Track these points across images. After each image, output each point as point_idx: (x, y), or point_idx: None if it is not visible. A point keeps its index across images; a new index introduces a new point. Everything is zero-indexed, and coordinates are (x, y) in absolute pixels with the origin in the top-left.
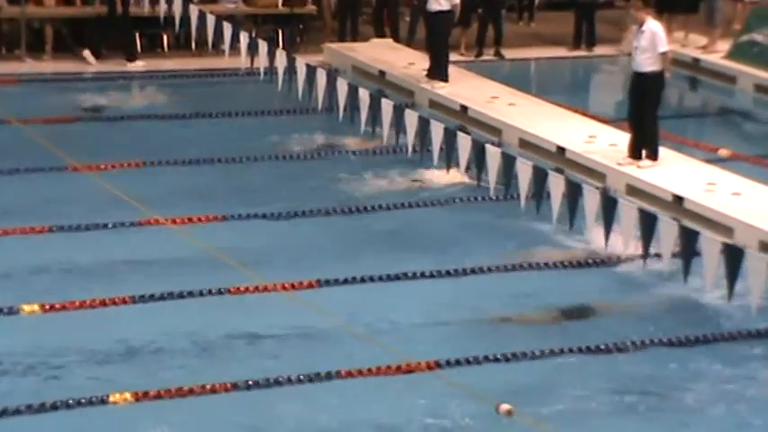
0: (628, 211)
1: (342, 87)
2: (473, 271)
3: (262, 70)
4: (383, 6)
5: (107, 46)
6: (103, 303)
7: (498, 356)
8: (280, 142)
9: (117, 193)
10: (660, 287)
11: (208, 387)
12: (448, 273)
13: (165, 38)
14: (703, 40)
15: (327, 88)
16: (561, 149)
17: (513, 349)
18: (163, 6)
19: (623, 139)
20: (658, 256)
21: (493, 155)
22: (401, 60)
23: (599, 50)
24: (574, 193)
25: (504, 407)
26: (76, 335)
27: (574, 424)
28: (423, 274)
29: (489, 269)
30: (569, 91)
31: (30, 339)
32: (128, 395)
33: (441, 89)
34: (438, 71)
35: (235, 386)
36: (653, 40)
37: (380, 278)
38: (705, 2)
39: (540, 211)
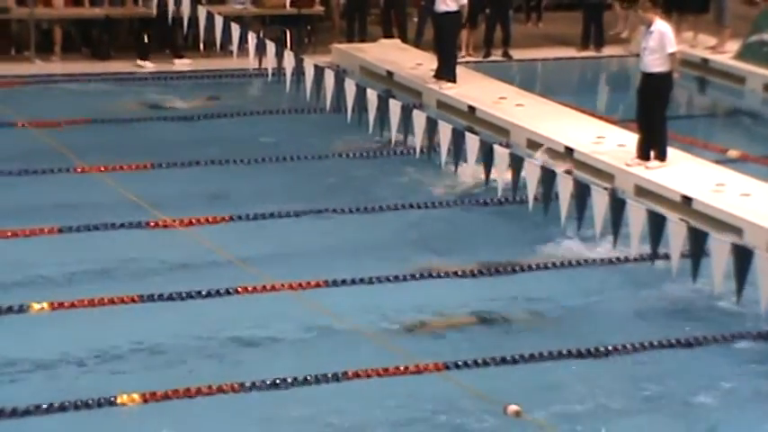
0: (636, 211)
1: (350, 88)
2: (481, 272)
3: (270, 71)
4: (391, 7)
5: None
6: (112, 303)
7: (507, 357)
8: (287, 143)
9: (126, 194)
10: (669, 288)
11: (216, 388)
12: (456, 273)
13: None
14: (713, 41)
15: (335, 89)
16: (569, 150)
17: (522, 350)
18: (171, 7)
19: (632, 139)
20: (667, 256)
21: (501, 155)
22: (409, 61)
23: (607, 51)
24: (582, 194)
25: (512, 408)
26: (85, 334)
27: (583, 424)
28: (431, 275)
29: (497, 269)
30: (577, 91)
31: (38, 338)
32: (136, 396)
33: (449, 90)
34: (446, 72)
35: (243, 387)
36: (661, 41)
37: (389, 279)
38: (715, 2)
39: (548, 212)
